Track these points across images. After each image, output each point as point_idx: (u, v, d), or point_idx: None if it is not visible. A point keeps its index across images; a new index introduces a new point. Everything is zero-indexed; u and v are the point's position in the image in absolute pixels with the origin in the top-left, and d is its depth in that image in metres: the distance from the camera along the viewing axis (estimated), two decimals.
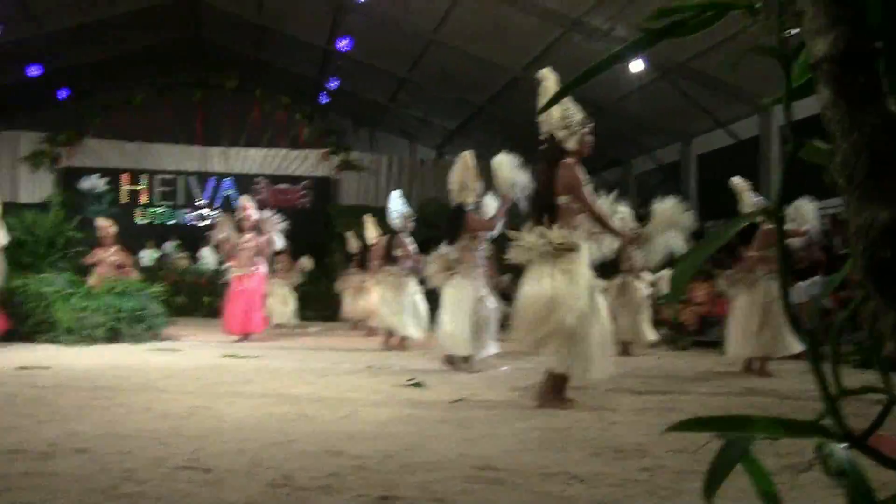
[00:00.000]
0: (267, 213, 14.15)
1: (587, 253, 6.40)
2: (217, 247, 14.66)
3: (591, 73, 1.32)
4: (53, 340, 11.63)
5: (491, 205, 9.47)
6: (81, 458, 4.21)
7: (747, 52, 1.27)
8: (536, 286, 6.25)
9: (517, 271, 6.83)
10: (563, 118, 6.34)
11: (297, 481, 3.80)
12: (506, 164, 8.53)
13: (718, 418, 1.23)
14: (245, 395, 6.87)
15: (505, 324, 9.04)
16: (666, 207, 8.92)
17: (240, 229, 13.84)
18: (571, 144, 6.36)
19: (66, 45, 23.04)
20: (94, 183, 25.30)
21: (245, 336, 13.48)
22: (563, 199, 6.31)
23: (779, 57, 1.16)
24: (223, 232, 13.88)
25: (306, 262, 18.43)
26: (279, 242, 13.91)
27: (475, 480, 3.90)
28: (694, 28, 1.29)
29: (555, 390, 6.36)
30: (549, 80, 6.37)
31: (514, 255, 6.55)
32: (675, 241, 8.64)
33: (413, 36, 20.05)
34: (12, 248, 12.08)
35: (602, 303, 6.39)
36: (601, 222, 6.52)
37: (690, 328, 14.34)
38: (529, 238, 6.39)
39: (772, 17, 1.17)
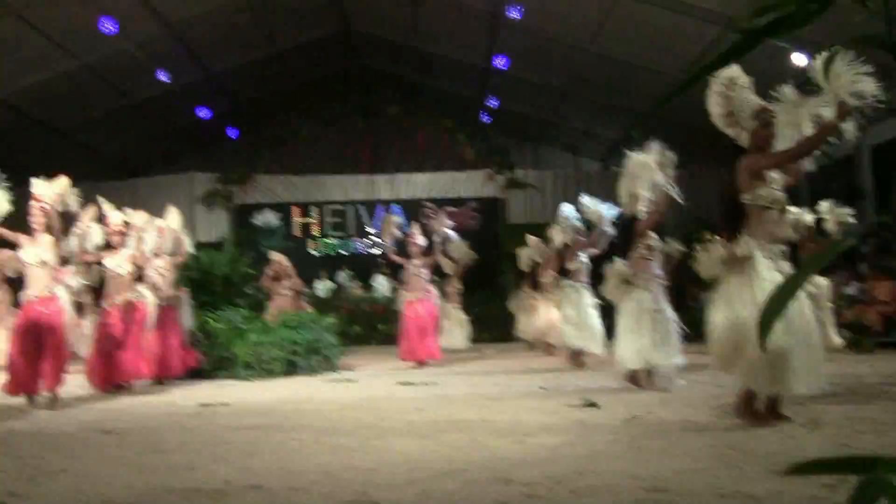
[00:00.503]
0: (440, 235, 14.18)
1: (772, 261, 5.98)
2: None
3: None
4: (233, 376, 11.81)
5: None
6: (254, 495, 4.20)
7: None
8: (728, 310, 5.90)
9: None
10: (740, 111, 5.98)
11: None
12: (645, 164, 8.26)
13: (844, 459, 1.19)
14: (416, 424, 6.77)
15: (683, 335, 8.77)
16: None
17: (407, 255, 13.84)
18: (751, 138, 5.99)
19: (231, 86, 23.81)
20: (267, 218, 25.92)
21: (420, 363, 13.42)
22: (748, 197, 5.92)
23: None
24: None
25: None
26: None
27: None
28: (797, 23, 1.17)
29: (747, 406, 6.02)
30: (732, 78, 6.00)
31: (700, 269, 6.25)
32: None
33: (570, 48, 19.82)
34: (192, 288, 12.37)
35: (804, 308, 5.90)
36: (811, 145, 5.98)
37: (874, 329, 13.60)
38: (716, 249, 6.06)
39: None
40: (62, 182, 9.03)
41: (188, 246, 11.84)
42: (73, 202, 9.14)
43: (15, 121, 21.17)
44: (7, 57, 18.49)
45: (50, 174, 9.07)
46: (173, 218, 11.43)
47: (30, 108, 21.22)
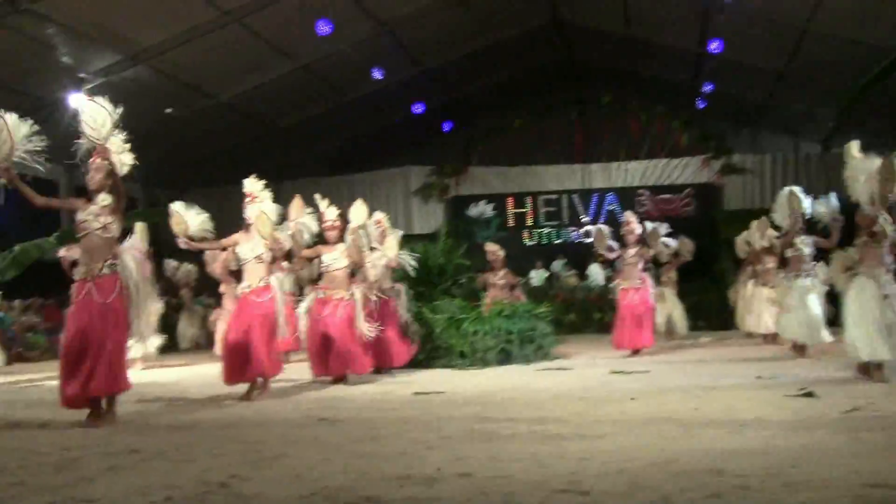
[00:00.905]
0: (652, 225, 13.97)
1: None
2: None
3: None
4: (448, 365, 12.00)
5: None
6: (464, 482, 4.24)
7: None
8: None
9: None
10: None
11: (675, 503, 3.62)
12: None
13: None
14: (629, 413, 6.72)
15: None
16: None
17: (624, 244, 13.70)
18: None
19: (445, 80, 24.17)
20: (482, 209, 26.18)
21: (635, 351, 13.26)
22: None
23: None
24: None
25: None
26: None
27: (866, 501, 3.55)
28: None
29: None
30: None
31: None
32: None
33: (786, 27, 19.06)
34: (408, 279, 12.62)
35: None
36: None
37: None
38: None
39: None
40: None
41: (395, 240, 11.96)
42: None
43: (238, 121, 22.23)
44: (230, 61, 19.47)
45: (271, 171, 9.40)
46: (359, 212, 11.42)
47: (251, 108, 22.24)
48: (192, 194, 24.09)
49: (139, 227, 14.24)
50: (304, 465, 4.81)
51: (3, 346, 16.59)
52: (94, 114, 7.05)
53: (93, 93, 18.82)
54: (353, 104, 23.68)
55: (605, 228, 14.53)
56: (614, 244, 13.96)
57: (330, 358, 10.25)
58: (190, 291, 18.90)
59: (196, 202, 9.66)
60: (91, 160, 7.10)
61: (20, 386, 11.46)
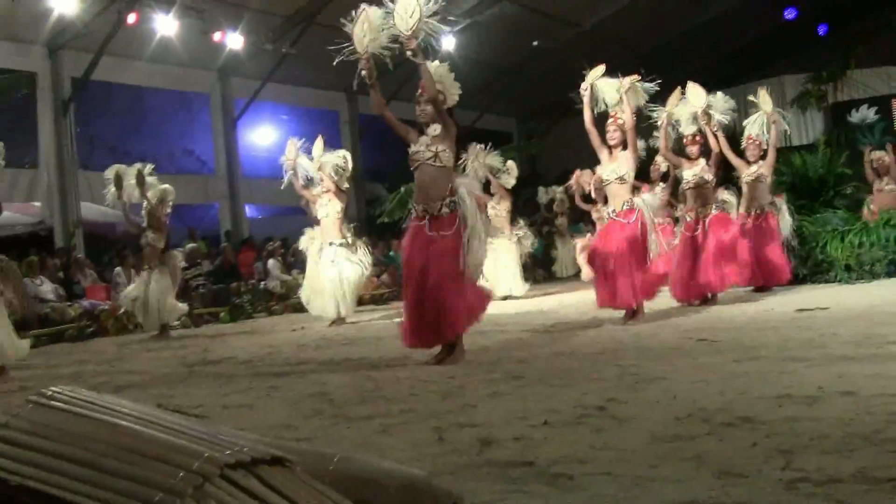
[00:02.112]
0: None
1: None
2: None
3: None
4: (832, 280, 11.59)
5: None
6: (846, 401, 4.10)
7: None
8: None
9: None
10: None
11: None
12: None
13: None
14: None
15: None
16: None
17: None
18: None
19: None
20: (864, 114, 24.65)
21: None
22: None
23: None
24: None
25: None
26: None
27: None
28: None
29: None
30: None
31: None
32: None
33: None
34: (787, 192, 12.28)
35: None
36: None
37: None
38: None
39: None
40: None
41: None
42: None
43: (603, 47, 22.24)
44: None
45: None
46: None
47: (614, 33, 22.24)
48: (563, 125, 24.75)
49: (510, 165, 14.84)
50: (680, 386, 4.84)
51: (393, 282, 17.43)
52: (406, 4, 6.78)
53: (462, 33, 19.84)
54: (717, 19, 23.08)
55: None
56: None
57: (696, 277, 10.16)
58: (565, 219, 19.36)
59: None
60: (419, 93, 6.99)
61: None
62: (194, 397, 5.95)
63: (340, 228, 11.93)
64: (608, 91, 8.92)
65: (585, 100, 8.93)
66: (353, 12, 6.98)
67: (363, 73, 6.97)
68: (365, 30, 6.88)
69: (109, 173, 12.56)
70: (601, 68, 9.05)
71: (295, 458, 1.93)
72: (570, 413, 4.33)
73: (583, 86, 9.00)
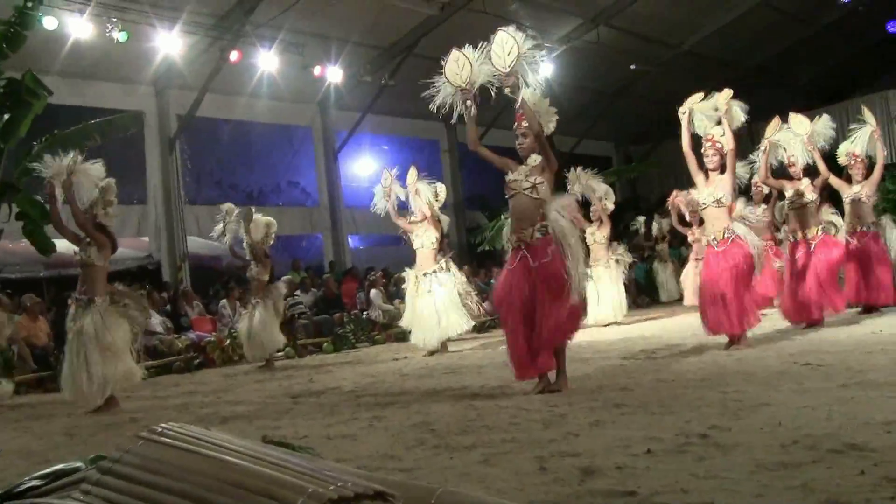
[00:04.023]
0: None
1: None
2: None
3: None
4: None
5: None
6: None
7: None
8: None
9: None
10: None
11: None
12: None
13: None
14: None
15: None
16: None
17: None
18: None
19: None
20: None
21: None
22: None
23: None
24: None
25: None
26: None
27: None
28: None
29: None
30: None
31: None
32: None
33: None
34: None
35: None
36: None
37: None
38: None
39: None
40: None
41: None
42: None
43: (703, 67, 22.06)
44: (685, 8, 19.45)
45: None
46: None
47: (714, 52, 22.05)
48: (662, 149, 24.53)
49: (608, 190, 14.76)
50: (786, 412, 4.77)
51: None
52: (503, 42, 6.88)
53: (558, 59, 19.90)
54: (820, 33, 22.71)
55: None
56: None
57: (803, 299, 10.01)
58: (666, 244, 19.25)
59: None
60: (515, 125, 7.03)
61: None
62: (299, 428, 6.05)
63: (435, 258, 12.02)
64: (706, 112, 8.84)
65: (683, 124, 8.86)
66: (449, 45, 7.08)
67: (462, 108, 7.06)
68: (460, 67, 6.98)
69: (225, 208, 12.96)
70: (699, 95, 8.98)
71: (397, 493, 1.97)
72: (673, 441, 4.29)
73: (681, 110, 8.94)
